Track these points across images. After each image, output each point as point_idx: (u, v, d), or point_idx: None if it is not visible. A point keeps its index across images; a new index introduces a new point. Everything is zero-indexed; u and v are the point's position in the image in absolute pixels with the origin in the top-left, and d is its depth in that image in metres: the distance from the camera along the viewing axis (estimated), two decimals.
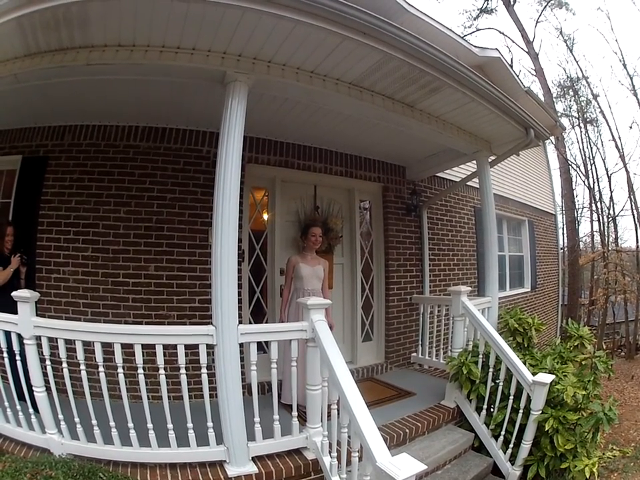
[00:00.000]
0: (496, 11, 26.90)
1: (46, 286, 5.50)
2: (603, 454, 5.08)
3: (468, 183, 8.61)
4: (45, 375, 3.79)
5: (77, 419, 3.77)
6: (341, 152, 7.15)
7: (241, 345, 3.78)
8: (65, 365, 3.72)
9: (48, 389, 3.80)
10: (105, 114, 5.56)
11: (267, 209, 6.71)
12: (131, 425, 3.71)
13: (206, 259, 5.61)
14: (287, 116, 5.57)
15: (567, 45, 27.70)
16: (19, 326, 3.73)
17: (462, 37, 8.31)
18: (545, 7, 26.77)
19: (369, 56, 3.92)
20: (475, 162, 6.82)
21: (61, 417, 3.81)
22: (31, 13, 3.17)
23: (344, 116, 5.35)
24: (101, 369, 3.65)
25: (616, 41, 42.30)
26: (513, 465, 4.89)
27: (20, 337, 3.77)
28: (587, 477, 4.45)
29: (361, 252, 7.65)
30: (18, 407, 3.97)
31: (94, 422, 3.74)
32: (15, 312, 3.77)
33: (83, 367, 3.68)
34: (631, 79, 24.67)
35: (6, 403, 4.04)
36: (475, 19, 27.77)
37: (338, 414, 3.60)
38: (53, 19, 3.29)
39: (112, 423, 3.71)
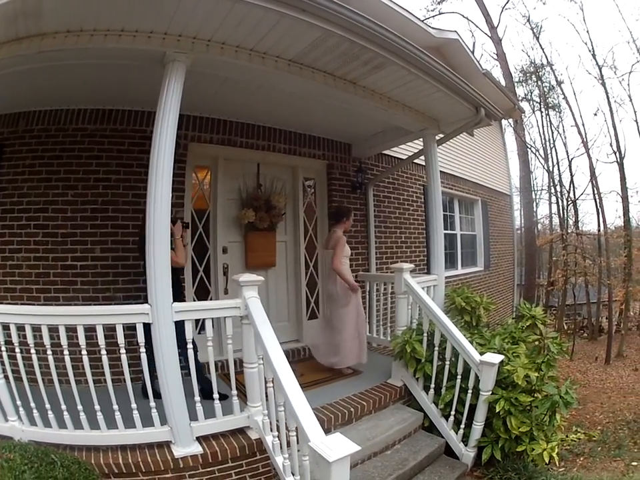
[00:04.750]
0: None
1: (2, 274, 5.60)
2: (567, 436, 5.22)
3: (417, 162, 8.93)
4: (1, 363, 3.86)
5: (32, 404, 3.88)
6: (285, 129, 7.31)
7: (179, 323, 3.91)
8: (17, 350, 3.81)
9: (6, 377, 3.88)
10: (56, 99, 5.62)
11: (210, 187, 6.83)
12: (80, 407, 3.85)
13: None
14: (229, 95, 5.69)
15: (533, 33, 28.94)
16: None
17: (418, 18, 8.43)
18: None
19: (308, 33, 4.01)
20: (421, 140, 6.99)
21: (19, 403, 3.90)
22: None
23: (286, 94, 5.44)
24: (49, 352, 3.78)
25: (587, 32, 44.04)
26: (466, 446, 5.02)
27: None
28: (547, 461, 4.58)
29: (305, 229, 7.88)
30: None
31: (47, 406, 3.87)
32: None
33: (33, 351, 3.79)
34: (600, 69, 26.05)
35: None
36: (439, 3, 28.43)
37: (274, 392, 3.72)
38: (12, 11, 3.34)
39: (63, 406, 3.86)
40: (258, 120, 6.91)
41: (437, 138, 6.95)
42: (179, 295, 4.86)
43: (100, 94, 5.56)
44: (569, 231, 27.14)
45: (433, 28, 9.06)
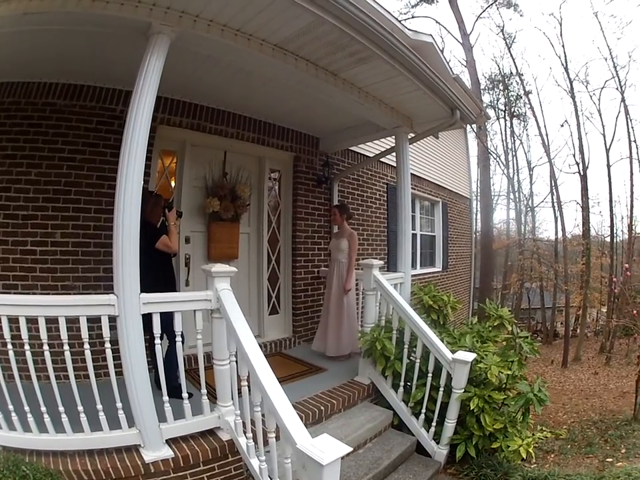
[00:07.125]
0: (437, 1, 28.67)
1: None
2: (533, 434, 5.34)
3: (382, 160, 9.14)
4: None
5: None
6: (255, 118, 7.26)
7: (145, 316, 3.76)
8: None
9: None
10: (29, 70, 5.41)
11: (175, 174, 6.70)
12: (43, 408, 3.63)
13: (110, 225, 5.45)
14: (206, 75, 5.56)
15: (505, 43, 30.15)
16: None
17: (396, 18, 8.51)
18: (492, 4, 29.00)
19: (301, 17, 3.98)
20: (390, 138, 7.15)
21: None
22: None
23: (266, 79, 5.41)
24: (9, 346, 3.52)
25: (562, 46, 45.46)
26: (438, 443, 5.11)
27: None
28: (524, 457, 4.73)
29: (268, 222, 7.88)
30: None
31: (10, 407, 3.61)
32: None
33: None
34: (571, 82, 27.35)
35: None
36: (413, 7, 29.36)
37: (249, 391, 3.60)
38: None
39: (26, 408, 3.60)
40: (229, 106, 6.84)
41: (409, 137, 7.00)
42: (174, 285, 5.18)
43: (74, 67, 5.34)
44: (526, 237, 28.00)
45: (409, 29, 9.18)
